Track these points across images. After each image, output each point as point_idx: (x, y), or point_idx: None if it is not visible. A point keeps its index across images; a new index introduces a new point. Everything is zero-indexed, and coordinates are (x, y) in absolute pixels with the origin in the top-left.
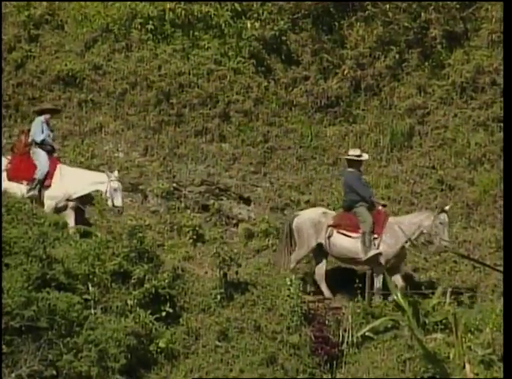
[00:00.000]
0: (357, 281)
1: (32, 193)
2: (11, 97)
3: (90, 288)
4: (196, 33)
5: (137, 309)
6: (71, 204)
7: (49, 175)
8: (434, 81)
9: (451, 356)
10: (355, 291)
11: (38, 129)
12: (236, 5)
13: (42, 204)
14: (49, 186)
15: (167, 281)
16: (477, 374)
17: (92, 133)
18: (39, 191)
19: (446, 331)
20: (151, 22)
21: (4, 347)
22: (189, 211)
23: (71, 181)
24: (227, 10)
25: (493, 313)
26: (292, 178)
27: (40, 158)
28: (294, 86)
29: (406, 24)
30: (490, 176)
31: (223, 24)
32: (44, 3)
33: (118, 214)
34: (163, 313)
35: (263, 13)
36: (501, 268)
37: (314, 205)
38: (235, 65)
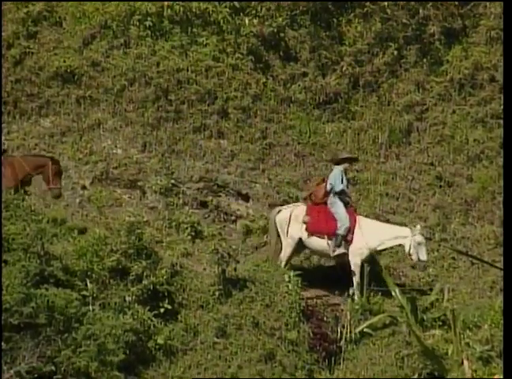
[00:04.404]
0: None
1: (338, 251)
2: (9, 93)
3: (88, 284)
4: (194, 30)
5: (136, 305)
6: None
7: (350, 230)
8: (433, 78)
9: (449, 352)
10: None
11: (338, 179)
12: (235, 1)
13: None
14: (351, 241)
15: (165, 277)
16: (475, 371)
17: (90, 130)
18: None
19: (445, 327)
20: (149, 19)
21: (3, 343)
22: (187, 207)
23: (372, 235)
24: (225, 7)
25: (491, 310)
26: (291, 174)
27: (339, 210)
28: (292, 82)
29: (404, 21)
30: (488, 172)
31: (221, 21)
32: None
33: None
34: (162, 310)
35: (261, 9)
36: (499, 265)
37: None
38: (233, 61)
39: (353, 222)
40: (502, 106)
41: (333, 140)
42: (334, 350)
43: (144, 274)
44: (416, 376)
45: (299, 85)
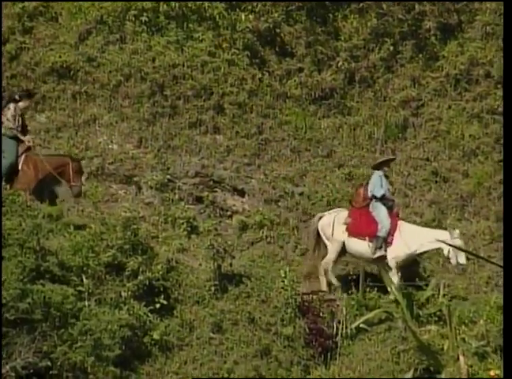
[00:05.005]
0: (351, 273)
1: (378, 253)
2: (5, 89)
3: (84, 280)
4: (190, 25)
5: (131, 300)
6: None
7: (390, 232)
8: (429, 73)
9: (445, 348)
10: (349, 283)
11: (377, 184)
12: None
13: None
14: (390, 243)
15: (161, 273)
16: (471, 366)
17: (86, 125)
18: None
19: (440, 323)
20: (145, 14)
21: None
22: (183, 203)
23: (412, 238)
24: (221, 2)
25: (487, 305)
26: (286, 169)
27: (381, 213)
28: (288, 78)
29: (400, 16)
30: (484, 168)
31: (217, 16)
32: None
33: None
34: (158, 305)
35: (257, 5)
36: (495, 260)
37: (308, 197)
38: (229, 57)
39: (394, 225)
40: (497, 102)
41: (328, 136)
42: (330, 345)
43: (140, 269)
44: (411, 371)
45: (294, 81)
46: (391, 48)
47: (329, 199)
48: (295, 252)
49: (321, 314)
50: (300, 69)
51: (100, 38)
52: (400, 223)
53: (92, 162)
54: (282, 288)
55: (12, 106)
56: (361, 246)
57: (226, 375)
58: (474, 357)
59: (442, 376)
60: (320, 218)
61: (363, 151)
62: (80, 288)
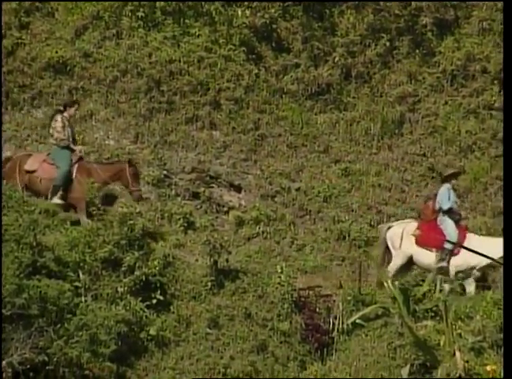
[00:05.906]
0: (348, 269)
1: (441, 263)
2: (2, 84)
3: (81, 276)
4: (187, 21)
5: (128, 296)
6: (476, 273)
7: (458, 244)
8: (425, 69)
9: (441, 343)
10: (345, 279)
11: (445, 197)
12: None
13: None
14: (457, 254)
15: (157, 268)
16: (467, 361)
17: (82, 121)
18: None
19: (437, 318)
20: (141, 9)
21: None
22: (179, 198)
23: (480, 250)
24: None
25: (483, 301)
26: (283, 165)
27: (448, 227)
28: (284, 73)
29: (397, 12)
30: (480, 164)
31: (213, 12)
32: None
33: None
34: (154, 301)
35: (254, 0)
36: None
37: (305, 193)
38: (225, 52)
39: (462, 238)
40: (494, 98)
41: (325, 132)
42: (326, 341)
43: (137, 265)
44: (408, 366)
45: (291, 76)
46: (387, 44)
47: (326, 194)
48: (292, 247)
49: (317, 310)
50: (297, 65)
51: (97, 33)
52: (469, 235)
53: (88, 157)
54: (278, 284)
55: (59, 117)
56: (428, 257)
57: (222, 370)
58: (470, 352)
59: (439, 371)
60: (388, 228)
61: (359, 147)
62: (76, 284)
